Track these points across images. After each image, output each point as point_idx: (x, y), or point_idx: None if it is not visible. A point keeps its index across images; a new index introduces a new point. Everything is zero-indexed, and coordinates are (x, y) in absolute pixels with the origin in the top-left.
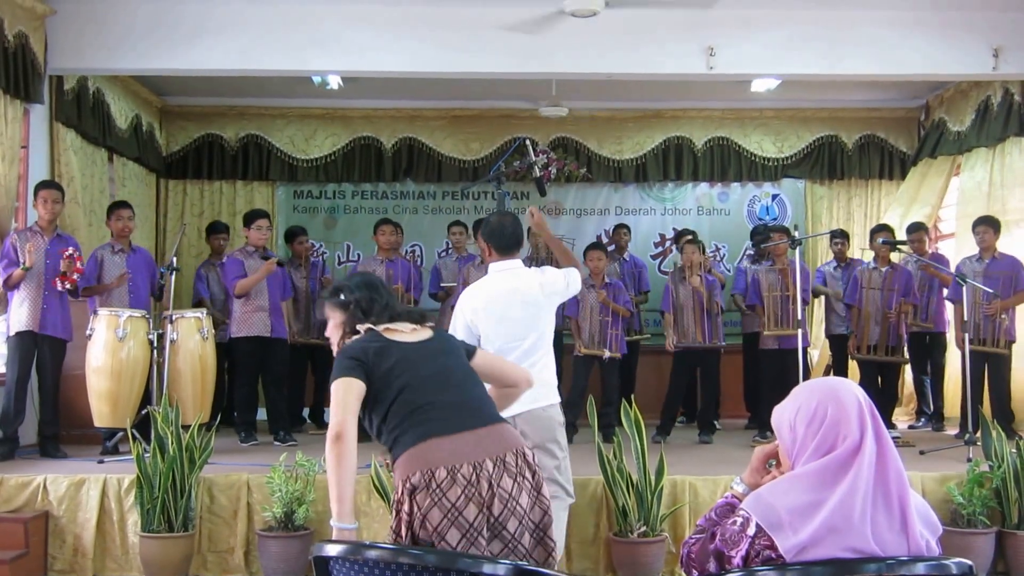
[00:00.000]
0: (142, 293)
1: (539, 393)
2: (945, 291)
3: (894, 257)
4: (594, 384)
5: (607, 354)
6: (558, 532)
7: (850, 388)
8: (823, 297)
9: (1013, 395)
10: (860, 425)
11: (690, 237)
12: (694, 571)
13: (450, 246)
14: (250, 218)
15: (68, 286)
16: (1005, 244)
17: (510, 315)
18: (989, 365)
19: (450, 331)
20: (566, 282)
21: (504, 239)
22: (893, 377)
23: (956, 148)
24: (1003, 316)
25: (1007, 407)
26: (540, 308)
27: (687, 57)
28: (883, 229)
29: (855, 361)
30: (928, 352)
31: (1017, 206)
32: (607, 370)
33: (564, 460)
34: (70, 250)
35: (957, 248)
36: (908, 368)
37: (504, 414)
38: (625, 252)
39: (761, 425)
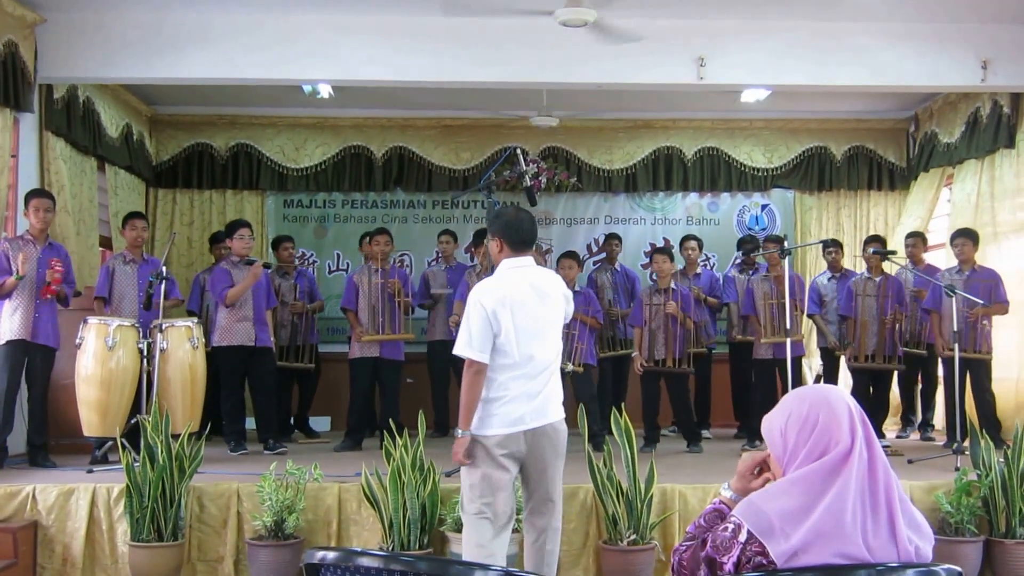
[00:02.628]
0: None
1: (557, 405)
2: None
3: (886, 267)
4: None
5: (569, 367)
6: (555, 554)
7: (840, 395)
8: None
9: (999, 404)
10: (851, 431)
11: (660, 247)
12: None
13: (439, 254)
14: (232, 228)
15: (49, 296)
16: (997, 256)
17: (533, 314)
18: (970, 373)
19: (463, 329)
20: (569, 295)
21: (521, 234)
22: (885, 387)
23: (946, 160)
24: (984, 323)
25: (992, 415)
26: (559, 306)
27: (677, 67)
28: (874, 240)
29: (849, 371)
30: (920, 362)
31: (1007, 219)
32: (578, 381)
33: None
34: (52, 260)
35: (947, 259)
36: (895, 378)
37: (527, 425)
38: (616, 262)
39: (751, 434)
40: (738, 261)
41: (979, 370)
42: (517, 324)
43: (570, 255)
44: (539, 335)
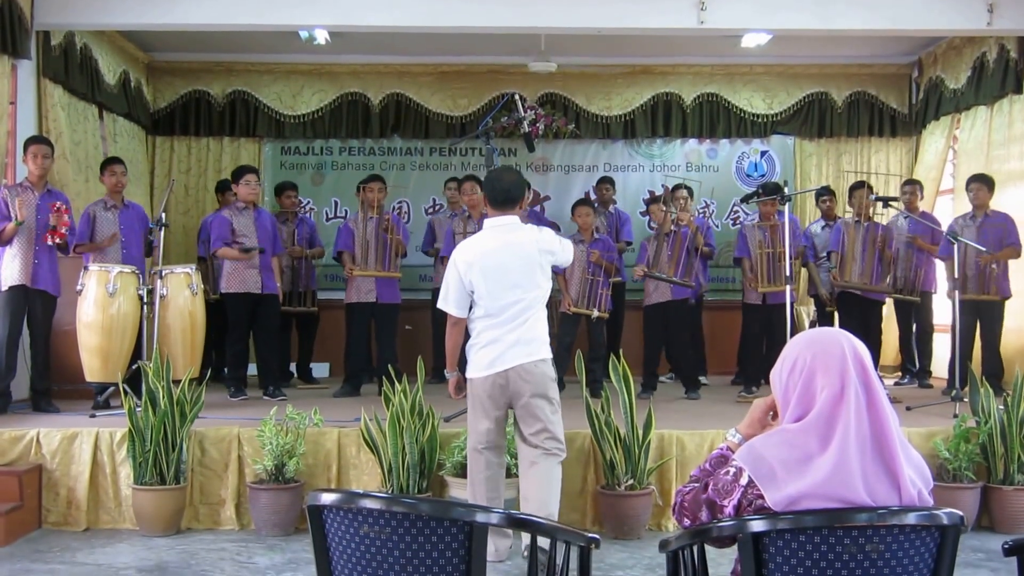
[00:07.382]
0: (135, 249)
1: (532, 348)
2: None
3: (883, 216)
4: (581, 339)
5: (595, 313)
6: (553, 488)
7: (836, 339)
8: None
9: (1003, 352)
10: (841, 375)
11: (685, 192)
12: (686, 519)
13: (437, 202)
14: (238, 174)
15: (58, 240)
16: (1005, 202)
17: (505, 270)
18: (982, 316)
19: (443, 285)
20: (560, 245)
21: (497, 192)
22: (875, 328)
23: (952, 106)
24: (993, 267)
25: (997, 359)
26: (535, 264)
27: (678, 11)
28: (862, 186)
29: (836, 306)
30: (915, 309)
31: (1017, 165)
32: (594, 326)
33: (556, 415)
34: (58, 204)
35: (955, 206)
36: (894, 326)
37: (497, 368)
38: (609, 206)
39: (747, 380)
40: (747, 212)
41: (991, 313)
42: (489, 281)
43: (584, 202)
44: (511, 289)
